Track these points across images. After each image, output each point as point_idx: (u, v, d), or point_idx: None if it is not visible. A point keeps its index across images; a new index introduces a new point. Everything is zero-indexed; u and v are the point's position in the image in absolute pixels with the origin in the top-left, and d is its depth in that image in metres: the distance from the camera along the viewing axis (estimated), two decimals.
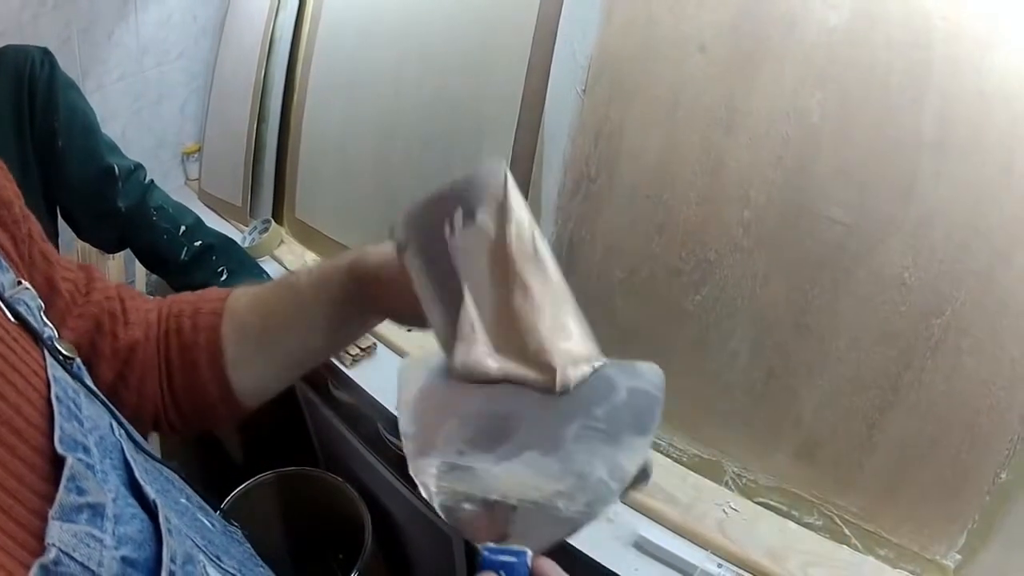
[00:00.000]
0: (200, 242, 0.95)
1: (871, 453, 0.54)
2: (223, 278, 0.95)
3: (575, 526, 0.29)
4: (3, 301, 0.30)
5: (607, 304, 0.71)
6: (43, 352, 0.29)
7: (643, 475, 0.30)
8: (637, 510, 0.59)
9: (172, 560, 0.26)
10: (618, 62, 0.68)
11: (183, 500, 0.33)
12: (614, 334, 0.70)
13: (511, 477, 0.30)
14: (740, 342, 0.59)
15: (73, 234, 1.00)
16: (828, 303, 0.54)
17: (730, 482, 0.60)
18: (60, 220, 0.96)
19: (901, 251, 0.51)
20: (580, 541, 0.55)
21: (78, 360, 0.33)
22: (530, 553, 0.29)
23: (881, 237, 0.51)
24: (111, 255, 1.28)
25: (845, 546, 0.56)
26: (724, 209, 0.60)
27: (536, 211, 0.76)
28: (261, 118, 1.28)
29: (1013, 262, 0.48)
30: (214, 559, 0.31)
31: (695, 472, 0.62)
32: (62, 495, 0.23)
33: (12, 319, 0.29)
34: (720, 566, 0.53)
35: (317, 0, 1.16)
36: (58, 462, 0.25)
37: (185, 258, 0.94)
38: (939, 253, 0.49)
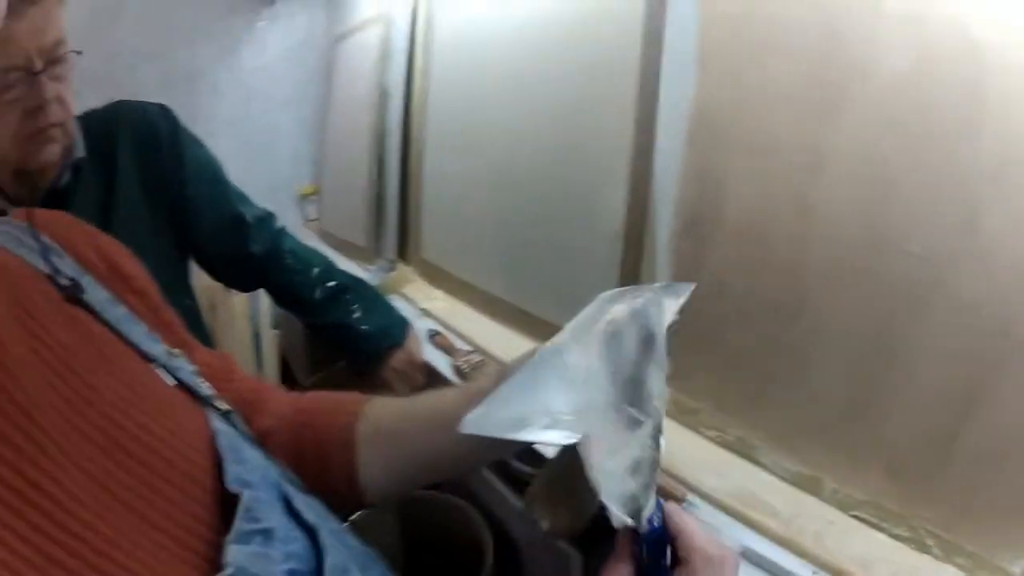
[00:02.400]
0: (333, 282, 1.10)
1: (951, 467, 0.65)
2: (356, 315, 1.10)
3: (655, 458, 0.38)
4: (164, 368, 0.40)
5: (718, 334, 0.87)
6: (204, 408, 0.39)
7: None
8: (744, 522, 0.73)
9: (332, 570, 0.34)
10: (715, 113, 0.85)
11: (333, 524, 0.40)
12: (723, 361, 0.86)
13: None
14: (833, 368, 0.73)
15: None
16: (908, 329, 0.67)
17: (829, 496, 0.73)
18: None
19: (969, 278, 0.63)
20: None
21: (234, 413, 0.43)
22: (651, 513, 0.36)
23: (950, 266, 0.64)
24: (235, 292, 1.51)
25: (927, 555, 0.67)
26: (815, 247, 0.75)
27: (651, 252, 0.94)
28: (381, 164, 1.57)
29: None
30: (362, 571, 0.38)
31: (796, 487, 0.76)
32: (239, 523, 0.32)
33: (174, 382, 0.39)
34: (815, 574, 0.66)
35: (424, 58, 1.44)
36: (226, 498, 0.33)
37: (319, 297, 1.09)
38: (1002, 277, 0.61)
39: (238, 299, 1.73)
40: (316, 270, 1.10)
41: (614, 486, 0.36)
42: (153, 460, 0.33)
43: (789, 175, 0.77)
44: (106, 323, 0.39)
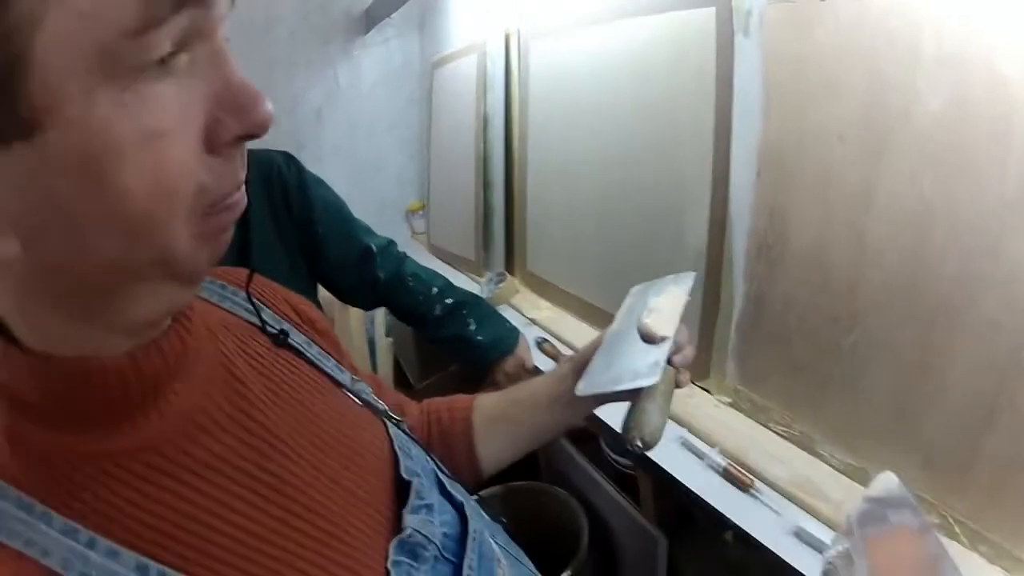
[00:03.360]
0: (451, 300, 1.27)
1: (977, 463, 0.78)
2: (472, 328, 1.27)
3: None
4: (350, 392, 0.52)
5: (786, 343, 1.03)
6: (382, 419, 0.52)
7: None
8: (801, 506, 0.89)
9: (474, 534, 0.48)
10: (780, 151, 1.01)
11: (472, 500, 0.55)
12: (790, 366, 1.02)
13: None
14: (880, 373, 0.88)
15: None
16: (942, 342, 0.81)
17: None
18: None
19: (992, 299, 0.76)
20: (757, 529, 0.86)
21: (402, 421, 0.56)
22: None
23: (977, 287, 0.77)
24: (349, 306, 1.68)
25: (955, 542, 0.80)
26: (866, 271, 0.90)
27: (729, 269, 1.12)
28: (487, 184, 1.79)
29: None
30: (492, 537, 0.52)
31: (846, 476, 0.92)
32: (412, 500, 0.46)
33: (359, 402, 0.52)
34: None
35: (521, 87, 1.64)
36: (400, 483, 0.47)
37: (439, 313, 1.26)
38: (1021, 299, 0.73)
39: (353, 312, 1.94)
40: (435, 289, 1.27)
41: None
42: (357, 459, 0.46)
43: (844, 206, 0.92)
44: (308, 360, 0.50)
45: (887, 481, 0.64)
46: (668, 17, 1.19)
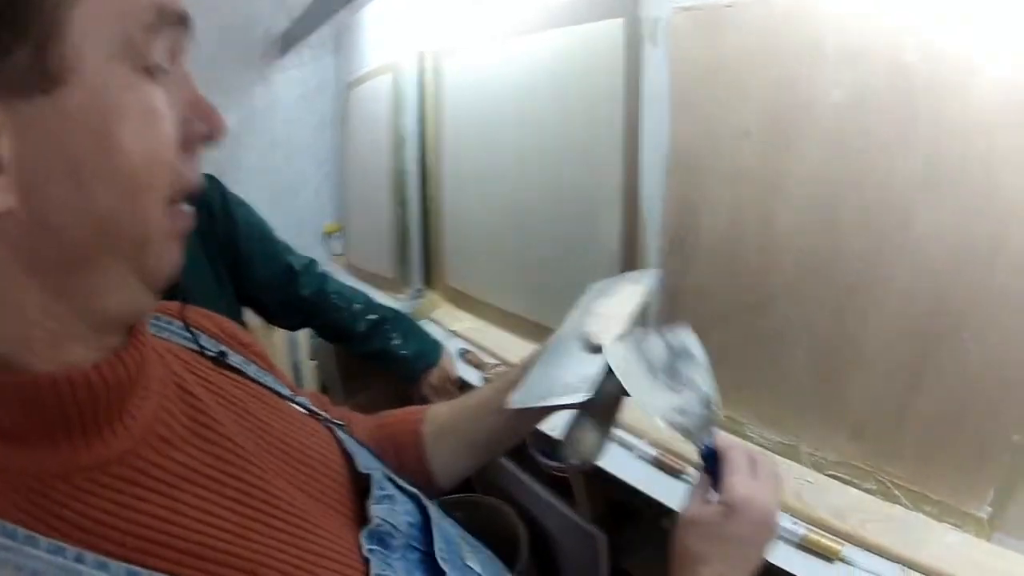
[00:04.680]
0: (374, 315, 1.24)
1: (907, 428, 0.78)
2: (395, 342, 1.23)
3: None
4: (295, 402, 0.53)
5: (703, 332, 1.01)
6: (327, 426, 0.53)
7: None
8: None
9: (436, 521, 0.49)
10: (688, 151, 1.00)
11: (423, 495, 0.54)
12: (711, 353, 1.00)
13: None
14: (800, 352, 0.87)
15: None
16: (860, 316, 0.81)
17: (805, 460, 0.87)
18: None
19: (905, 271, 0.76)
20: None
21: (346, 426, 0.56)
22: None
23: (890, 262, 0.77)
24: (275, 329, 1.63)
25: (897, 505, 0.80)
26: (778, 256, 0.89)
27: (644, 266, 1.10)
28: (403, 202, 1.73)
29: (997, 267, 0.70)
30: (450, 523, 0.53)
31: (779, 455, 0.90)
32: (374, 492, 0.46)
33: (304, 412, 0.52)
34: (795, 523, 0.79)
35: (435, 104, 1.59)
36: (357, 480, 0.47)
37: (363, 329, 1.22)
38: (937, 266, 0.74)
39: (277, 335, 1.85)
40: (358, 306, 1.24)
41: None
42: (311, 462, 0.47)
43: (753, 197, 0.92)
44: (249, 377, 0.50)
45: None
46: (578, 29, 1.17)
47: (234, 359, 0.51)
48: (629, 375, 0.55)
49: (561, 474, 1.23)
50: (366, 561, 0.41)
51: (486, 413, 0.65)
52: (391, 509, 0.47)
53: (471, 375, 1.30)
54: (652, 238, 1.09)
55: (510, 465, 1.29)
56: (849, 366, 0.84)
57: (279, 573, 0.36)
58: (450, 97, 1.56)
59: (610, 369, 0.56)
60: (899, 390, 0.79)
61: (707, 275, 1.00)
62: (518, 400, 0.56)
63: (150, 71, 0.32)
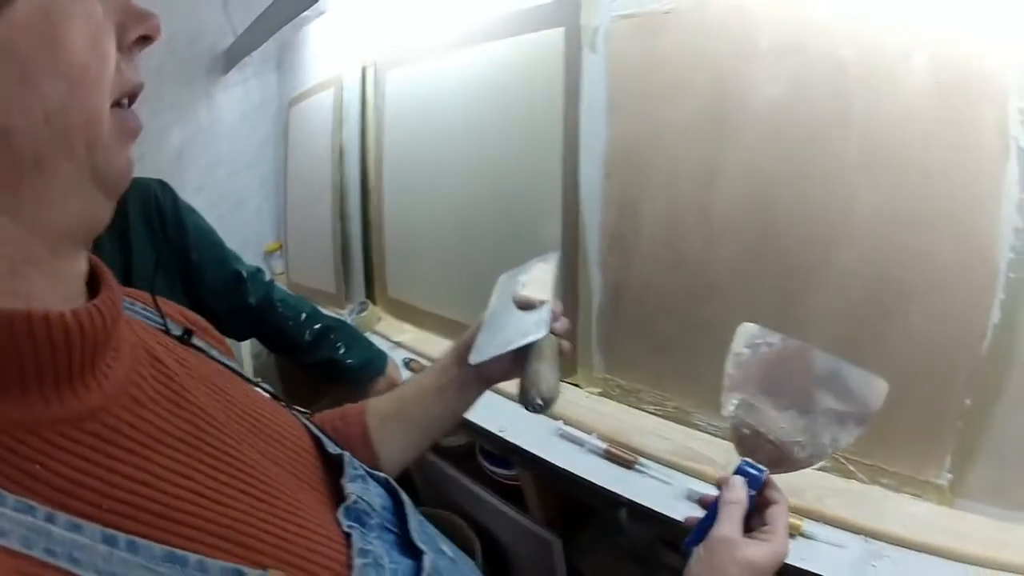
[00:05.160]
0: (319, 325, 1.21)
1: None
2: (341, 352, 1.21)
3: (798, 466, 0.54)
4: (259, 386, 0.53)
5: (648, 325, 1.00)
6: (291, 412, 0.53)
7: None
8: (688, 474, 0.86)
9: (407, 503, 0.48)
10: (626, 151, 1.01)
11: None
12: (655, 347, 1.00)
13: (776, 421, 0.55)
14: None
15: None
16: (802, 298, 0.82)
17: None
18: None
19: (846, 253, 0.78)
20: (650, 500, 0.82)
21: (305, 412, 0.56)
22: (767, 472, 0.52)
23: (833, 244, 0.79)
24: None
25: (853, 480, 0.80)
26: (719, 245, 0.90)
27: (586, 265, 1.09)
28: (343, 216, 1.70)
29: (936, 240, 0.72)
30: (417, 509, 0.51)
31: (728, 441, 0.90)
32: (348, 471, 0.46)
33: (267, 395, 0.52)
34: None
35: (377, 117, 1.57)
36: (327, 460, 0.48)
37: (308, 339, 1.20)
38: (877, 245, 0.76)
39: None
40: (304, 315, 1.21)
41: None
42: (281, 439, 0.45)
43: (691, 191, 0.93)
44: (213, 358, 0.50)
45: (746, 329, 0.63)
46: (520, 39, 1.18)
47: (198, 341, 0.50)
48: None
49: (512, 482, 1.20)
50: (346, 536, 0.39)
51: (424, 400, 0.68)
52: (365, 488, 0.46)
53: None
54: (592, 235, 1.08)
55: (459, 476, 1.26)
56: None
57: (259, 542, 0.34)
58: (392, 110, 1.54)
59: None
60: None
61: (649, 269, 1.00)
62: (477, 356, 0.60)
63: None
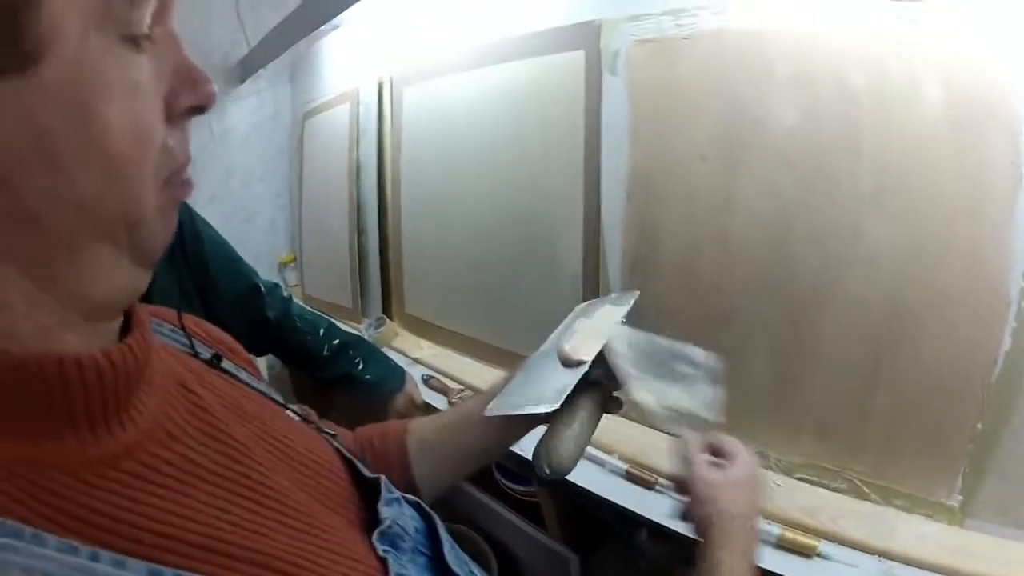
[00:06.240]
0: (337, 340, 1.22)
1: (869, 425, 0.81)
2: (360, 367, 1.22)
3: (697, 423, 0.59)
4: (289, 408, 0.52)
5: None
6: (322, 436, 0.52)
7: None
8: None
9: (436, 519, 0.49)
10: (647, 174, 1.04)
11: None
12: None
13: (671, 395, 0.59)
14: (761, 360, 0.90)
15: None
16: (815, 324, 0.84)
17: (773, 465, 0.90)
18: None
19: (856, 279, 0.81)
20: (671, 521, 0.84)
21: (336, 436, 0.56)
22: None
23: (842, 272, 0.82)
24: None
25: (867, 501, 0.82)
26: (734, 269, 0.92)
27: (606, 287, 1.12)
28: (360, 231, 1.71)
29: (944, 268, 0.75)
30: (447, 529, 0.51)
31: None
32: (384, 494, 0.46)
33: (298, 419, 0.52)
34: (769, 524, 0.80)
35: (394, 133, 1.60)
36: (361, 485, 0.47)
37: (327, 354, 1.21)
38: (887, 273, 0.78)
39: None
40: (322, 330, 1.22)
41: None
42: (313, 465, 0.45)
43: (709, 216, 0.95)
44: (242, 382, 0.49)
45: (619, 331, 0.65)
46: (540, 60, 1.21)
47: (227, 364, 0.49)
48: (625, 361, 0.59)
49: (529, 498, 1.22)
50: (382, 561, 0.40)
51: (471, 426, 0.65)
52: (399, 512, 0.46)
53: (436, 400, 1.29)
54: (613, 259, 1.11)
55: (476, 492, 1.27)
56: (808, 372, 0.87)
57: (299, 569, 0.34)
58: (409, 126, 1.57)
59: (589, 383, 0.59)
60: (858, 391, 0.83)
61: (667, 292, 1.03)
62: (493, 408, 0.59)
63: (134, 40, 0.29)
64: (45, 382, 0.28)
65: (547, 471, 0.55)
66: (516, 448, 0.99)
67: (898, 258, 0.79)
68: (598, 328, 0.65)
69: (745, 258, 0.93)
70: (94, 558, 0.27)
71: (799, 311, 0.87)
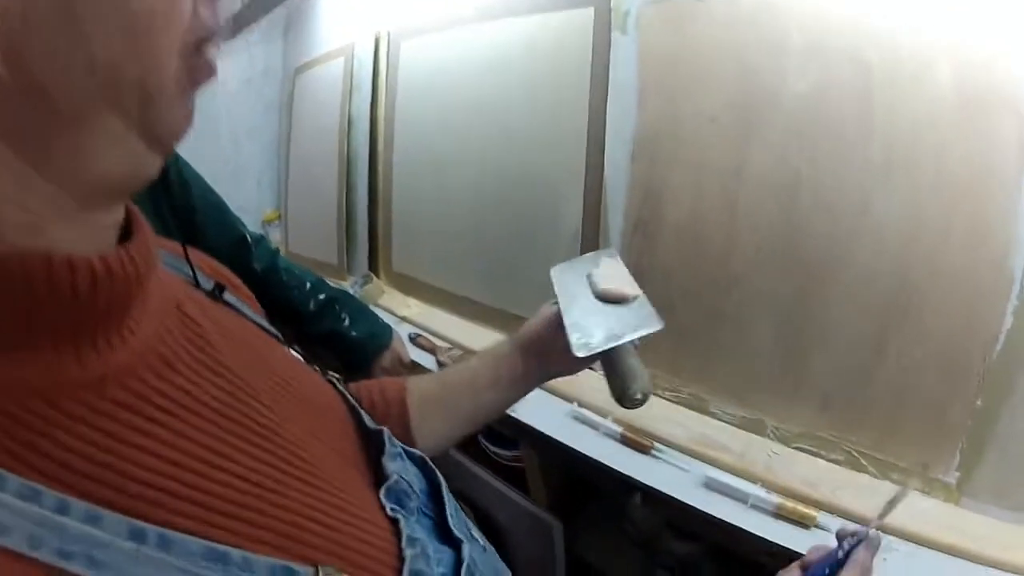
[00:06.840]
0: (324, 295, 1.19)
1: (871, 398, 0.80)
2: (346, 323, 1.19)
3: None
4: (295, 349, 0.49)
5: (668, 311, 1.01)
6: (327, 379, 0.49)
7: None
8: (705, 461, 0.87)
9: (441, 478, 0.46)
10: (654, 136, 1.01)
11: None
12: (673, 333, 1.01)
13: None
14: (764, 329, 0.89)
15: None
16: (821, 294, 0.83)
17: (771, 433, 0.89)
18: None
19: (864, 250, 0.80)
20: (667, 486, 0.83)
21: (339, 378, 0.53)
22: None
23: (850, 242, 0.81)
24: None
25: (864, 474, 0.82)
26: (741, 236, 0.91)
27: (607, 246, 1.09)
28: (350, 187, 1.67)
29: (949, 245, 0.74)
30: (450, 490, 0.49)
31: (744, 430, 0.91)
32: (388, 448, 0.43)
33: (301, 360, 0.48)
34: (768, 493, 0.80)
35: (390, 87, 1.55)
36: (366, 436, 0.44)
37: (313, 309, 1.18)
38: (892, 248, 0.78)
39: None
40: (308, 284, 1.19)
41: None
42: (323, 409, 0.42)
43: (716, 180, 0.93)
44: (246, 316, 0.45)
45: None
46: (547, 17, 1.18)
47: (229, 297, 0.45)
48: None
49: (514, 463, 1.20)
50: (393, 522, 0.36)
51: (474, 389, 0.65)
52: (403, 467, 0.43)
53: (424, 359, 1.26)
54: (615, 219, 1.09)
55: (457, 455, 1.25)
56: (812, 341, 0.86)
57: (307, 533, 0.30)
58: (405, 81, 1.52)
59: None
60: (861, 362, 0.82)
61: (671, 256, 1.01)
62: (587, 347, 0.58)
63: None
64: (27, 282, 0.23)
65: (639, 396, 0.58)
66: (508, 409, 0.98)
67: (904, 232, 0.78)
68: (620, 272, 0.68)
69: (752, 225, 0.91)
70: (62, 509, 0.22)
71: (805, 281, 0.86)
